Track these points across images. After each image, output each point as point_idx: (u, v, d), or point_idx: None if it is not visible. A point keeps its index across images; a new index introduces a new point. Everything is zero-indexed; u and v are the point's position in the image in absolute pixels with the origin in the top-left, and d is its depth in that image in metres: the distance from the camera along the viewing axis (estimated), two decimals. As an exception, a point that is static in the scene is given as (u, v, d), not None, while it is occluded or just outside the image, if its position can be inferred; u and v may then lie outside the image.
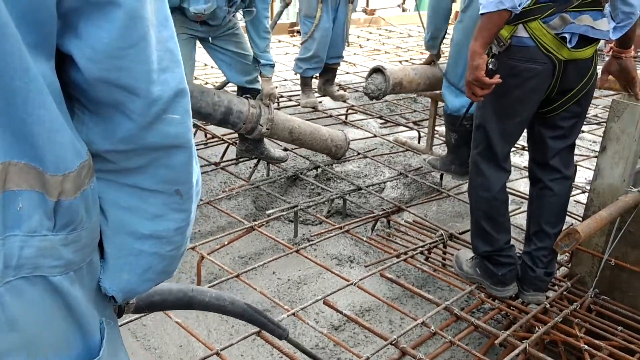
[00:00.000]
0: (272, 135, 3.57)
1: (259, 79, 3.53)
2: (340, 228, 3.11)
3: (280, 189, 3.74)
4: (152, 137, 0.73)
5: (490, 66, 2.13)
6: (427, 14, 3.56)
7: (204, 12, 3.12)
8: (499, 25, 2.04)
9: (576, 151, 2.52)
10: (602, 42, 2.28)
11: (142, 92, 0.70)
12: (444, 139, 3.99)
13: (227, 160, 3.94)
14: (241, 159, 3.91)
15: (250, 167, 3.90)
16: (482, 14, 2.02)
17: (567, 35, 2.08)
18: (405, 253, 2.89)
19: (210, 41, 3.44)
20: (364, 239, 3.04)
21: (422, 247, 2.96)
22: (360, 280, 2.62)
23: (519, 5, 1.99)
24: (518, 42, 2.13)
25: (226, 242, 2.92)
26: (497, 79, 2.10)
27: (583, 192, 3.72)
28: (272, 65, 3.49)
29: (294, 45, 7.39)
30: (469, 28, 3.18)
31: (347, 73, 6.44)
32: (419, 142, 4.52)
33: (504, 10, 1.97)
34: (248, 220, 3.35)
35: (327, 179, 3.87)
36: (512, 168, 2.61)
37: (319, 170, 3.91)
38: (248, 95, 3.51)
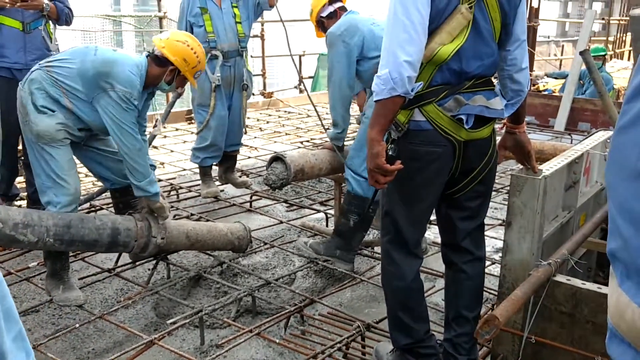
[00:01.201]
0: (169, 245, 3.31)
1: None
2: (251, 331, 2.87)
3: (183, 291, 3.45)
4: None
5: (390, 152, 2.06)
6: (332, 106, 3.50)
7: None
8: (394, 111, 2.00)
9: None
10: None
11: None
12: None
13: (122, 265, 3.62)
14: (138, 262, 3.60)
15: (148, 270, 3.59)
16: (376, 101, 1.97)
17: (463, 117, 2.07)
18: (323, 352, 2.69)
19: (83, 143, 3.26)
20: (277, 341, 2.81)
21: (339, 342, 2.78)
22: (276, 391, 2.38)
23: (412, 90, 1.96)
24: (416, 126, 2.09)
25: (123, 363, 2.60)
26: (398, 165, 2.04)
27: (492, 263, 3.71)
28: (157, 194, 3.22)
29: (191, 133, 7.22)
30: None
31: (249, 157, 6.33)
32: (327, 225, 4.41)
33: (397, 96, 1.93)
34: (148, 331, 3.04)
35: (234, 275, 3.63)
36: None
37: (224, 266, 3.67)
38: (131, 212, 3.30)
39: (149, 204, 3.23)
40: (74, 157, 3.22)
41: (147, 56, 3.18)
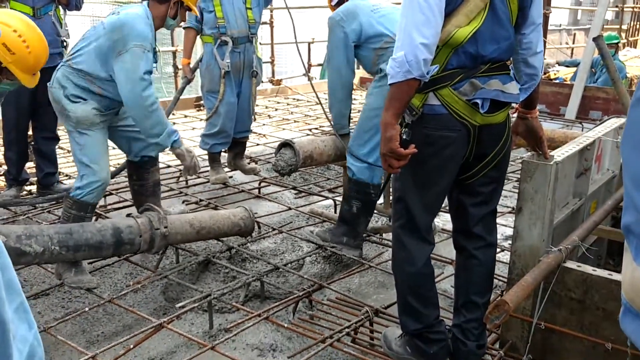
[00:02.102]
0: (175, 236, 3.31)
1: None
2: (259, 315, 2.88)
3: (192, 276, 3.46)
4: None
5: (405, 136, 2.05)
6: (331, 93, 3.47)
7: None
8: (410, 94, 1.97)
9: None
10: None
11: None
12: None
13: (132, 249, 3.63)
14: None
15: (157, 255, 3.60)
16: (391, 84, 1.95)
17: (478, 101, 2.04)
18: (331, 336, 2.70)
19: (113, 125, 3.38)
20: (285, 325, 2.82)
21: (347, 327, 2.78)
22: (285, 375, 2.38)
23: (428, 73, 1.94)
24: (430, 110, 2.07)
25: (132, 346, 2.61)
26: (412, 149, 2.01)
27: (502, 250, 3.70)
28: (178, 141, 3.29)
29: (200, 120, 7.22)
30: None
31: (257, 144, 6.32)
32: (335, 212, 4.40)
33: (413, 79, 1.91)
34: (157, 315, 3.05)
35: (242, 260, 3.64)
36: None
37: (233, 251, 3.68)
38: (129, 213, 3.39)
39: (176, 152, 3.31)
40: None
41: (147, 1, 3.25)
